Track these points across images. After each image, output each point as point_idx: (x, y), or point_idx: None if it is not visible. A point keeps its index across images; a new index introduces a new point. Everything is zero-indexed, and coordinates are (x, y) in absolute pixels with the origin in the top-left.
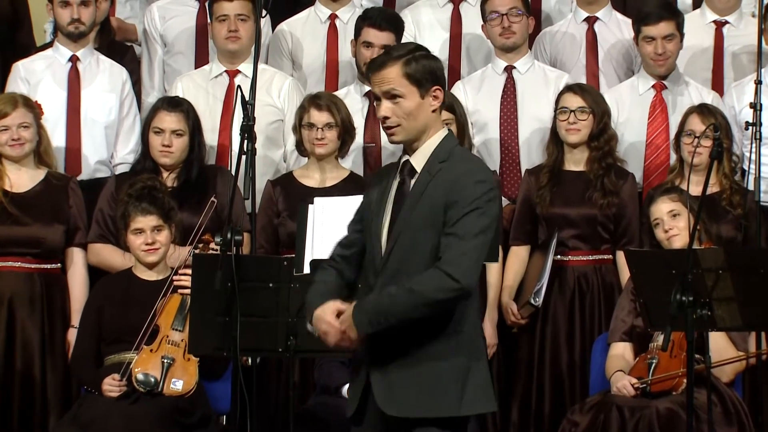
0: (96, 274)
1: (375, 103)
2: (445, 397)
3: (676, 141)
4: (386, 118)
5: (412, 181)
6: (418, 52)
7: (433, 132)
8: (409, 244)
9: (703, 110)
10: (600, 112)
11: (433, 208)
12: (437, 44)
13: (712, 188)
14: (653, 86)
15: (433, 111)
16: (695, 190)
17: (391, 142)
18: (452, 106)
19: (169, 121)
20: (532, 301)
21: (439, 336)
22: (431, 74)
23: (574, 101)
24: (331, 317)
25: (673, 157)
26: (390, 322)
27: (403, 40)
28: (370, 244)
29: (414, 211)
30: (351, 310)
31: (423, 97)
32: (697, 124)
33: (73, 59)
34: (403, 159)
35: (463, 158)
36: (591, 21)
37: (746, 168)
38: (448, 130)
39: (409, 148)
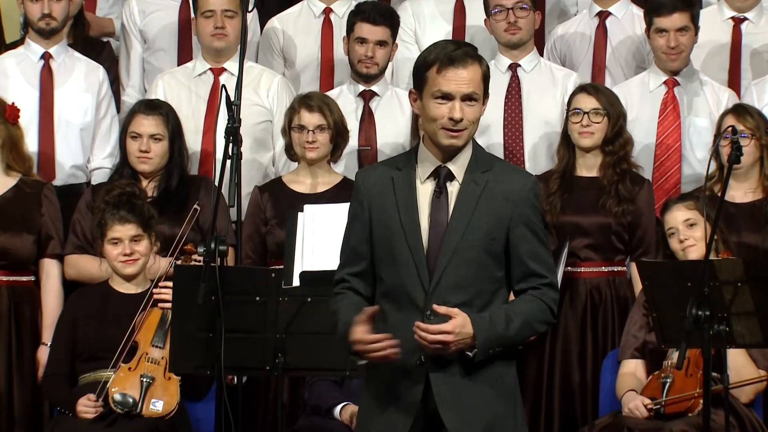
0: (73, 287)
1: (438, 101)
2: (508, 421)
3: (714, 146)
4: (460, 120)
5: (453, 190)
6: None
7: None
8: (471, 260)
9: (739, 110)
10: (615, 114)
11: (495, 223)
12: (440, 38)
13: (755, 194)
14: (665, 82)
15: None
16: (729, 195)
17: (451, 146)
18: None
19: (146, 125)
20: None
21: (496, 358)
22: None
23: (587, 102)
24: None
25: (703, 163)
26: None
27: (403, 34)
28: (403, 256)
29: (470, 224)
30: (466, 320)
31: (483, 104)
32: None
33: (46, 57)
34: (435, 165)
35: (508, 168)
36: (603, 16)
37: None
38: None
39: (446, 154)
